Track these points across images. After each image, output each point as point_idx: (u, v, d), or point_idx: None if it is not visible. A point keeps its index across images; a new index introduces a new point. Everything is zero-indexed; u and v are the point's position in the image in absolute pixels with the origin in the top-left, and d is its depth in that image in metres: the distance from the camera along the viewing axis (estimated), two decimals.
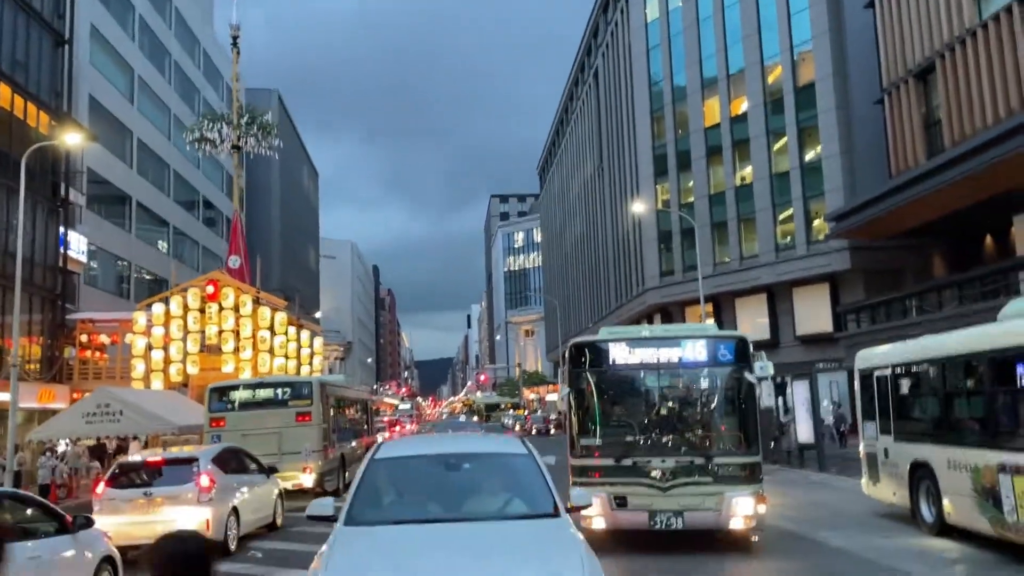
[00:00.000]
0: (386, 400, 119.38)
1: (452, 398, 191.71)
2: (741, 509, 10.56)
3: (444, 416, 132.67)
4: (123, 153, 44.05)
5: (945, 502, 11.40)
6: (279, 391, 17.96)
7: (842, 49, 38.26)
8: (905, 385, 12.74)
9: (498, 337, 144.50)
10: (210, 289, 29.50)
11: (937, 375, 11.67)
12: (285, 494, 17.19)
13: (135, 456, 13.51)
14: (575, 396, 11.46)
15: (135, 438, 22.04)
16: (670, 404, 11.38)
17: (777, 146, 42.06)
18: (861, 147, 37.38)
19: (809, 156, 40.53)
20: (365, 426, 24.49)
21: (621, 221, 56.11)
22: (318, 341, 38.31)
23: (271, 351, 29.53)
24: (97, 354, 33.40)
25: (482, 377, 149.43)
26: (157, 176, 49.23)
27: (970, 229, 31.82)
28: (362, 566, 5.11)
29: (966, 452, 10.76)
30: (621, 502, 10.82)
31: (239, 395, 17.95)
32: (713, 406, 11.47)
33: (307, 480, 17.26)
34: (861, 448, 14.48)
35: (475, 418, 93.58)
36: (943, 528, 11.44)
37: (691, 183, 46.77)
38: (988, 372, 10.23)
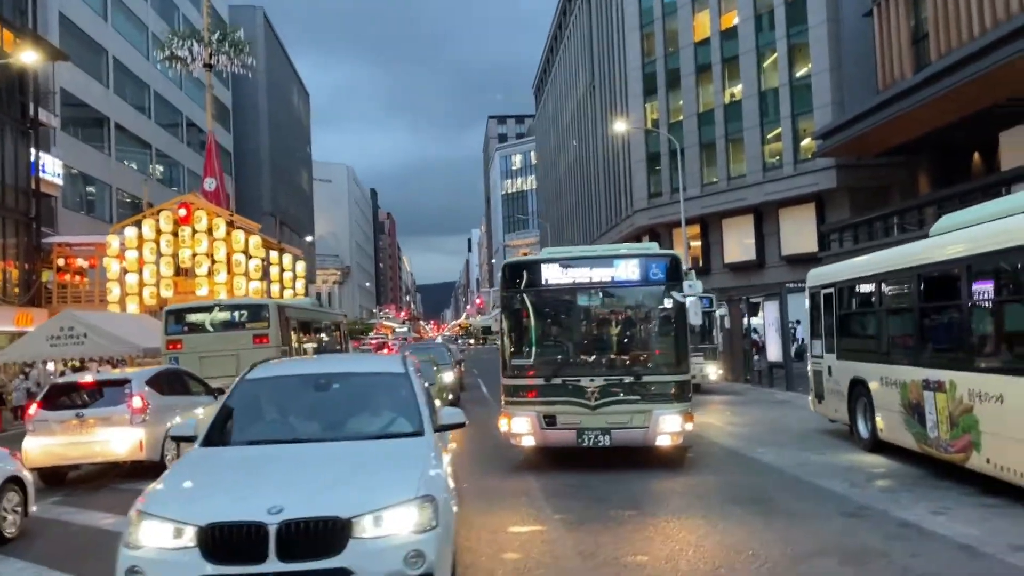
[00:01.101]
0: (384, 323, 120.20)
1: (453, 322, 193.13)
2: (667, 426, 10.54)
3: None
4: (99, 73, 43.13)
5: (878, 418, 11.38)
6: (236, 313, 17.89)
7: None
8: (847, 303, 12.58)
9: (495, 260, 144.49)
10: (182, 212, 29.22)
11: (874, 292, 11.49)
12: None
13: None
14: (508, 316, 11.34)
15: (101, 360, 22.12)
16: (601, 323, 11.25)
17: (767, 62, 41.01)
18: (851, 62, 36.36)
19: (799, 72, 39.53)
20: (338, 347, 24.54)
21: (611, 142, 55.26)
22: (300, 264, 38.18)
23: (246, 274, 29.43)
24: (77, 278, 33.38)
25: (478, 300, 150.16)
26: (136, 97, 48.33)
27: (957, 146, 31.19)
28: (187, 480, 5.06)
29: (896, 369, 10.66)
30: (551, 421, 10.81)
31: (196, 317, 17.90)
32: (643, 325, 11.35)
33: None
34: (809, 366, 14.45)
35: (471, 341, 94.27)
36: (876, 444, 11.44)
37: (680, 102, 45.81)
38: (915, 289, 10.04)
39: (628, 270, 10.92)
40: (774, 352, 23.33)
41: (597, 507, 8.71)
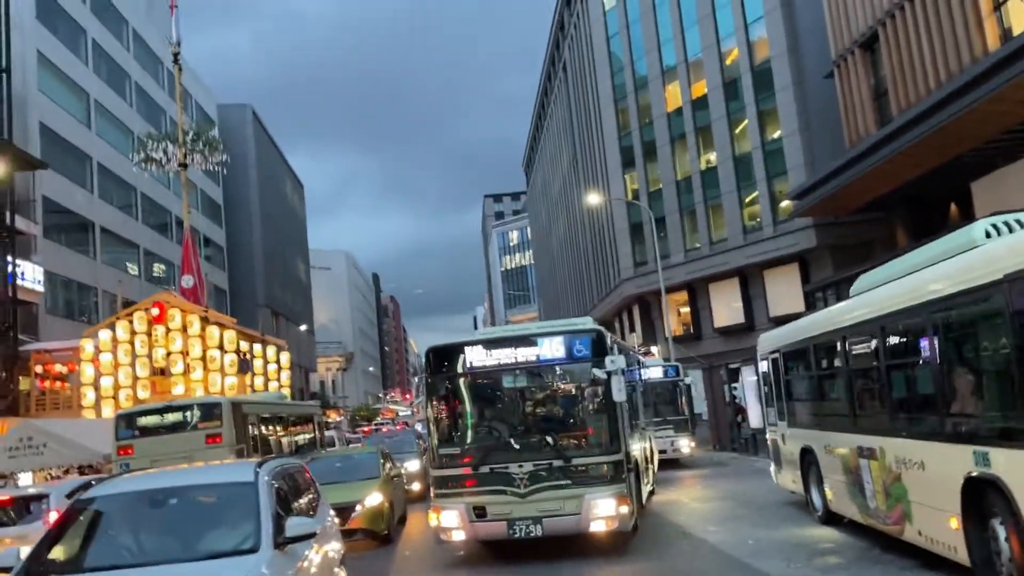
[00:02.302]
0: (389, 407, 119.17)
1: None
2: (601, 511, 10.03)
3: None
4: (83, 179, 43.81)
5: (827, 489, 10.87)
6: (187, 413, 17.47)
7: (793, 23, 37.59)
8: (790, 368, 12.19)
9: None
10: (155, 312, 29.10)
11: (810, 356, 11.12)
12: None
13: None
14: (434, 403, 10.97)
15: (69, 468, 21.58)
16: (528, 406, 10.86)
17: (738, 129, 41.41)
18: (819, 123, 36.68)
19: (770, 136, 39.86)
20: (312, 442, 23.97)
21: (596, 214, 55.55)
22: (284, 356, 37.88)
23: (221, 370, 29.11)
24: (58, 384, 33.10)
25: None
26: (123, 199, 48.98)
27: (933, 197, 31.04)
28: None
29: (836, 436, 10.22)
30: (480, 512, 10.31)
31: (146, 420, 17.48)
32: (571, 405, 10.96)
33: None
34: (768, 435, 13.96)
35: None
36: (829, 516, 10.90)
37: (658, 171, 46.17)
38: (841, 352, 9.68)
39: (552, 348, 10.58)
40: (755, 418, 22.78)
41: None
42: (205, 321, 29.77)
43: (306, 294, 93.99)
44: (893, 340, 8.30)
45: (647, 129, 46.82)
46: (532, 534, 10.17)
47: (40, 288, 36.60)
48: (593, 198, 44.42)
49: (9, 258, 32.34)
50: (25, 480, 23.45)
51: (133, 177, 49.23)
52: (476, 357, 10.76)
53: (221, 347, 29.42)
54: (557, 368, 10.73)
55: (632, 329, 50.27)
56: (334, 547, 7.32)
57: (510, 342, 10.86)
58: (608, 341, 10.43)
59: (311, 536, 5.77)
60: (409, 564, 11.39)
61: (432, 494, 10.77)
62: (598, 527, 10.10)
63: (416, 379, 11.31)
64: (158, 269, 52.36)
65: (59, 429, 20.70)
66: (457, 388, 11.06)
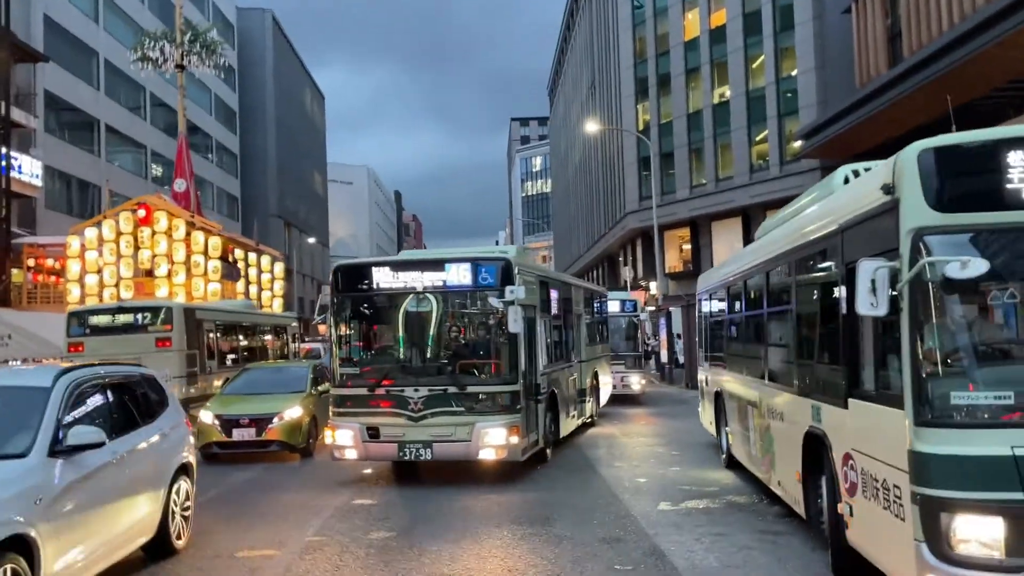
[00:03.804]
0: None
1: None
2: (491, 439, 9.99)
3: None
4: (88, 75, 43.51)
5: (727, 432, 10.76)
6: (139, 316, 17.57)
7: None
8: (711, 308, 11.94)
9: None
10: (142, 213, 29.15)
11: (717, 302, 10.86)
12: None
13: None
14: (338, 322, 10.88)
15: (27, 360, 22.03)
16: (430, 331, 10.70)
17: (755, 63, 40.06)
18: (835, 61, 35.29)
19: (785, 72, 38.54)
20: (278, 352, 24.19)
21: (608, 145, 54.55)
22: (279, 266, 38.04)
23: (205, 275, 29.27)
24: (52, 278, 33.56)
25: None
26: (131, 99, 48.72)
27: None
28: None
29: (734, 382, 10.04)
30: (374, 433, 10.31)
31: (98, 320, 17.63)
32: (472, 333, 10.82)
33: None
34: (698, 377, 13.81)
35: None
36: (731, 461, 10.78)
37: (670, 103, 45.01)
38: (732, 299, 9.42)
39: (458, 274, 10.38)
40: None
41: (368, 528, 8.22)
42: (191, 226, 29.80)
43: (322, 206, 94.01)
44: (763, 290, 8.02)
45: (663, 59, 45.49)
46: (422, 457, 10.18)
47: (38, 182, 36.71)
48: (596, 127, 43.49)
49: (3, 150, 32.42)
50: None
51: (144, 78, 48.81)
52: (383, 278, 10.59)
53: (206, 253, 29.51)
54: (461, 295, 10.54)
55: (636, 263, 49.89)
56: (171, 459, 7.31)
57: (418, 265, 10.69)
58: (515, 271, 10.19)
59: (96, 446, 5.70)
60: (304, 478, 11.47)
61: (331, 412, 10.77)
62: (487, 455, 10.07)
63: (319, 296, 11.18)
64: (163, 171, 52.31)
65: (24, 322, 20.97)
66: (362, 308, 10.96)
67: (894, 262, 4.57)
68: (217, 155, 64.07)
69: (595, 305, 17.74)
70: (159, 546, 7.02)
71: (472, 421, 10.03)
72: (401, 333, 10.79)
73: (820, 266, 6.36)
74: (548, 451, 11.95)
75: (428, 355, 10.64)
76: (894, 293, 4.57)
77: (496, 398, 10.08)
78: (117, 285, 28.92)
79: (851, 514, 5.58)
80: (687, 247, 45.80)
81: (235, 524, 8.54)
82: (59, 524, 5.24)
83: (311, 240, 73.82)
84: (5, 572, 4.65)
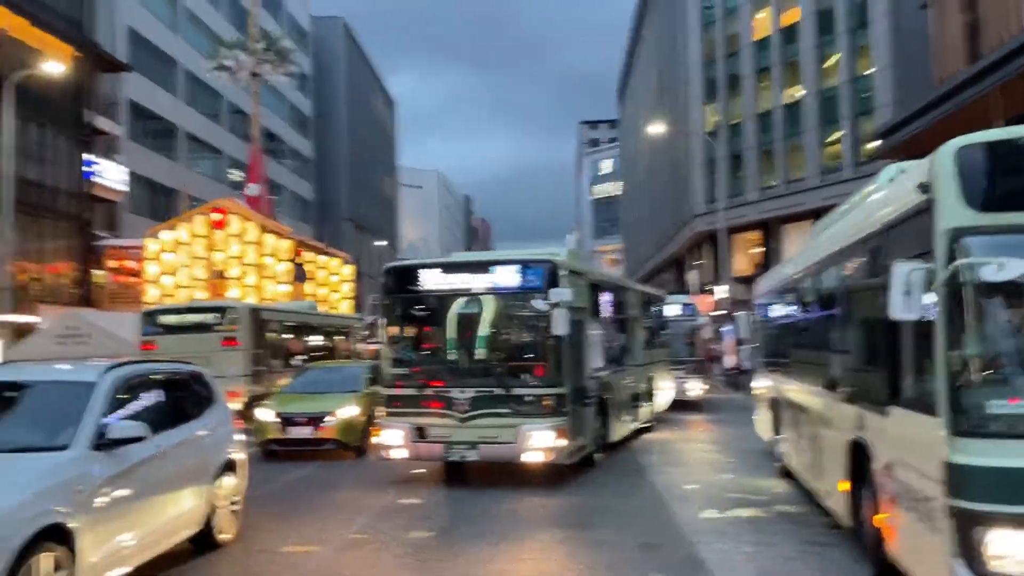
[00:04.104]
0: None
1: None
2: (536, 442, 9.95)
3: None
4: (169, 84, 45.14)
5: (782, 440, 10.48)
6: (207, 316, 18.14)
7: None
8: (765, 313, 11.66)
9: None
10: (216, 216, 30.12)
11: (771, 306, 10.58)
12: None
13: None
14: (388, 323, 11.02)
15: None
16: (476, 332, 10.71)
17: (828, 62, 39.04)
18: (912, 59, 34.12)
19: (860, 71, 37.46)
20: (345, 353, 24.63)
21: (676, 147, 53.88)
22: (348, 268, 38.81)
23: (275, 277, 30.07)
24: (133, 279, 34.94)
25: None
26: (209, 106, 50.31)
27: None
28: None
29: (786, 386, 9.78)
30: (421, 433, 10.41)
31: (169, 319, 18.26)
32: (519, 335, 10.80)
33: (235, 405, 17.49)
34: (753, 384, 13.51)
35: None
36: (785, 470, 10.50)
37: (739, 104, 44.23)
38: (786, 304, 9.16)
39: (505, 276, 10.40)
40: None
41: (409, 527, 8.29)
42: (263, 229, 30.65)
43: (392, 210, 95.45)
44: (809, 293, 7.79)
45: (732, 59, 44.77)
46: (468, 458, 10.23)
47: (123, 187, 38.28)
48: (661, 128, 43.00)
49: (90, 156, 33.94)
50: None
51: (221, 85, 50.45)
52: (431, 279, 10.69)
53: (276, 256, 30.32)
54: (509, 296, 10.54)
55: (703, 267, 49.13)
56: (217, 454, 7.50)
57: (465, 267, 10.75)
58: (561, 273, 10.14)
59: (137, 440, 5.89)
60: (355, 476, 11.62)
61: (382, 411, 10.91)
62: (532, 457, 10.04)
63: (371, 299, 11.33)
64: (239, 176, 53.89)
65: (104, 321, 21.89)
66: (411, 309, 11.06)
67: (930, 264, 4.38)
68: (291, 160, 65.71)
69: (652, 309, 17.53)
70: (206, 539, 7.22)
71: (518, 423, 10.02)
72: (449, 334, 10.85)
73: (859, 268, 6.15)
74: (598, 455, 11.85)
75: (475, 356, 10.66)
76: (930, 296, 4.38)
77: (542, 401, 10.04)
78: (192, 286, 29.92)
79: (891, 527, 5.37)
80: (757, 250, 44.87)
81: (284, 520, 8.72)
82: (99, 515, 5.43)
83: (380, 243, 74.97)
84: (42, 561, 4.83)
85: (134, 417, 6.18)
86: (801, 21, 39.95)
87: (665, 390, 18.09)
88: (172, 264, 30.16)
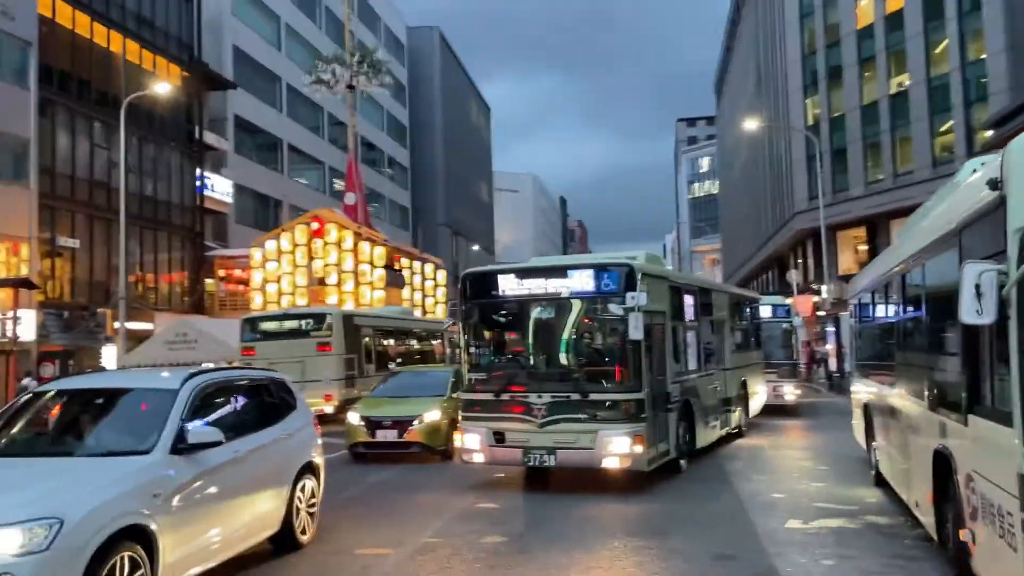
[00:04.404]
0: None
1: None
2: (614, 448, 9.85)
3: None
4: (272, 99, 47.02)
5: (875, 447, 10.03)
6: (303, 322, 18.82)
7: None
8: (857, 317, 11.17)
9: (684, 266, 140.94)
10: (315, 226, 31.19)
11: (862, 307, 10.12)
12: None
13: None
14: (466, 329, 11.13)
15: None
16: (554, 337, 10.70)
17: (937, 49, 37.13)
18: None
19: (971, 56, 35.46)
20: (434, 356, 25.03)
21: (775, 142, 52.35)
22: (441, 273, 39.46)
23: (371, 284, 30.87)
24: (241, 287, 36.57)
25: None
26: (310, 119, 52.12)
27: None
28: None
29: (878, 391, 9.36)
30: (500, 437, 10.46)
31: (267, 325, 19.03)
32: (596, 340, 10.69)
33: (328, 408, 18.11)
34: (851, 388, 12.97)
35: None
36: (880, 478, 10.04)
37: (841, 96, 42.59)
38: (875, 305, 8.74)
39: (581, 281, 10.33)
40: None
41: (484, 532, 8.35)
42: (358, 237, 31.52)
43: (487, 215, 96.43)
44: (894, 295, 7.40)
45: (833, 50, 43.15)
46: (545, 463, 10.21)
47: (229, 200, 40.13)
48: (758, 124, 41.87)
49: (199, 171, 35.75)
50: None
51: (321, 98, 52.18)
52: (508, 285, 10.73)
53: (371, 263, 31.12)
54: (585, 301, 10.46)
55: (806, 266, 47.54)
56: (296, 458, 7.74)
57: (541, 272, 10.73)
58: (638, 277, 10.01)
59: (214, 444, 6.16)
60: (437, 479, 11.76)
61: (460, 416, 11.04)
62: (610, 463, 9.94)
63: (449, 304, 11.44)
64: (340, 185, 55.56)
65: (212, 328, 22.98)
66: (489, 315, 11.14)
67: (1001, 265, 4.11)
68: (389, 169, 67.31)
69: (743, 311, 17.09)
70: (284, 540, 7.47)
71: (595, 429, 9.94)
72: (526, 339, 10.88)
73: (939, 269, 5.82)
74: (682, 462, 11.62)
75: (553, 361, 10.66)
76: (1004, 299, 4.11)
77: (620, 406, 9.93)
78: (293, 293, 31.08)
79: (974, 541, 5.06)
80: (863, 248, 43.07)
81: (363, 522, 8.93)
82: (177, 517, 5.70)
83: (475, 247, 75.86)
84: (124, 559, 5.11)
85: (213, 423, 6.46)
86: (906, 6, 38.14)
87: (759, 394, 17.60)
88: (275, 272, 31.39)
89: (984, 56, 34.43)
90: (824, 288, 40.04)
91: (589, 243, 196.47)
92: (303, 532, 7.72)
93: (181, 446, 5.97)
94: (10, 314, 19.36)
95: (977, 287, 4.12)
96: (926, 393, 6.37)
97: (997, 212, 4.30)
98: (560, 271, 10.55)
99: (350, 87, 36.82)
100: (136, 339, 25.13)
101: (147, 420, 6.11)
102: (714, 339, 14.13)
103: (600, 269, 10.29)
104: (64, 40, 28.45)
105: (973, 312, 4.16)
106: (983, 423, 4.77)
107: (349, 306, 29.30)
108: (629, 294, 9.76)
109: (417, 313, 32.44)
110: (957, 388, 5.34)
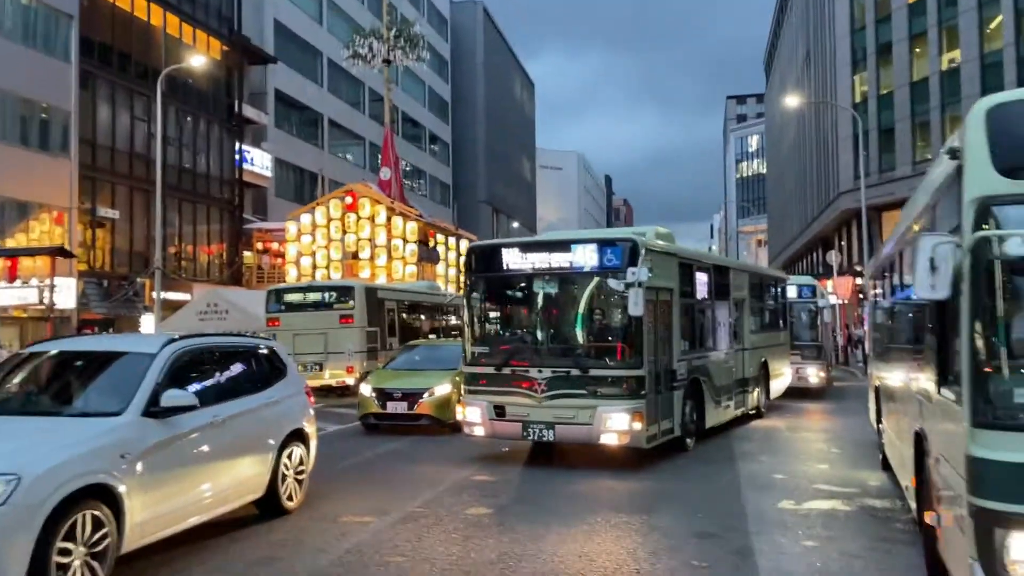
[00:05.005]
0: None
1: None
2: (613, 424, 9.77)
3: None
4: (314, 74, 47.30)
5: (882, 430, 9.80)
6: (327, 295, 19.00)
7: None
8: (871, 294, 10.87)
9: (730, 246, 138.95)
10: (348, 200, 31.41)
11: (876, 284, 9.83)
12: (332, 391, 18.63)
13: None
14: (470, 302, 11.11)
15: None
16: (556, 312, 10.63)
17: (991, 25, 35.76)
18: None
19: None
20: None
21: (822, 120, 51.11)
22: None
23: (403, 258, 31.02)
24: (279, 260, 37.09)
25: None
26: (351, 94, 52.36)
27: None
28: None
29: (882, 372, 9.11)
30: (500, 411, 10.46)
31: (292, 297, 19.25)
32: (598, 315, 10.56)
33: (350, 380, 18.32)
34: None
35: None
36: (887, 462, 9.81)
37: (891, 73, 41.32)
38: (884, 282, 8.47)
39: (584, 256, 10.22)
40: None
41: (471, 503, 8.38)
42: (392, 211, 31.67)
43: (530, 192, 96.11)
44: (891, 274, 7.16)
45: (883, 25, 41.86)
46: (544, 438, 10.18)
47: (269, 173, 40.61)
48: (802, 100, 40.86)
49: (238, 144, 36.21)
50: None
51: (362, 73, 52.30)
52: (512, 259, 10.66)
53: (404, 237, 31.26)
54: (589, 276, 10.35)
55: (850, 247, 46.52)
56: (283, 425, 7.81)
57: (545, 246, 10.64)
58: (641, 253, 9.86)
59: (188, 409, 6.24)
60: (442, 452, 11.80)
61: (463, 389, 11.06)
62: (609, 440, 9.87)
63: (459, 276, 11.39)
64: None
65: (239, 298, 23.35)
66: (492, 289, 11.09)
67: (957, 237, 3.94)
68: (430, 144, 67.39)
69: (766, 291, 16.77)
70: (269, 505, 7.58)
71: (594, 405, 9.87)
72: (530, 313, 10.83)
73: (911, 245, 5.61)
74: (689, 441, 11.49)
75: (554, 336, 10.61)
76: (957, 273, 3.94)
77: (620, 383, 9.84)
78: (328, 267, 31.40)
79: (939, 524, 4.91)
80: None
81: (356, 490, 9.02)
82: (147, 478, 5.78)
83: (516, 224, 75.74)
84: (85, 518, 5.21)
85: (191, 388, 6.55)
86: None
87: (783, 376, 17.30)
88: (309, 246, 31.73)
89: None
90: (865, 269, 39.15)
91: (635, 222, 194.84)
92: (290, 498, 7.81)
93: (154, 409, 6.06)
94: (47, 282, 19.87)
95: (932, 260, 3.96)
96: (910, 373, 6.18)
97: (956, 183, 4.11)
98: (564, 245, 10.45)
99: (387, 61, 36.83)
100: (173, 309, 25.67)
101: (122, 383, 6.21)
102: (730, 318, 13.88)
103: (604, 244, 10.17)
104: (105, 13, 28.94)
105: (928, 287, 3.99)
106: (944, 403, 4.60)
107: (382, 280, 29.53)
108: (630, 269, 9.62)
109: (451, 288, 32.53)
110: (929, 367, 5.16)
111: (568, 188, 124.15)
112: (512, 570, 6.11)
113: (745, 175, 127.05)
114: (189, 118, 33.15)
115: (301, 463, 8.12)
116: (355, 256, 31.70)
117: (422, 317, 22.65)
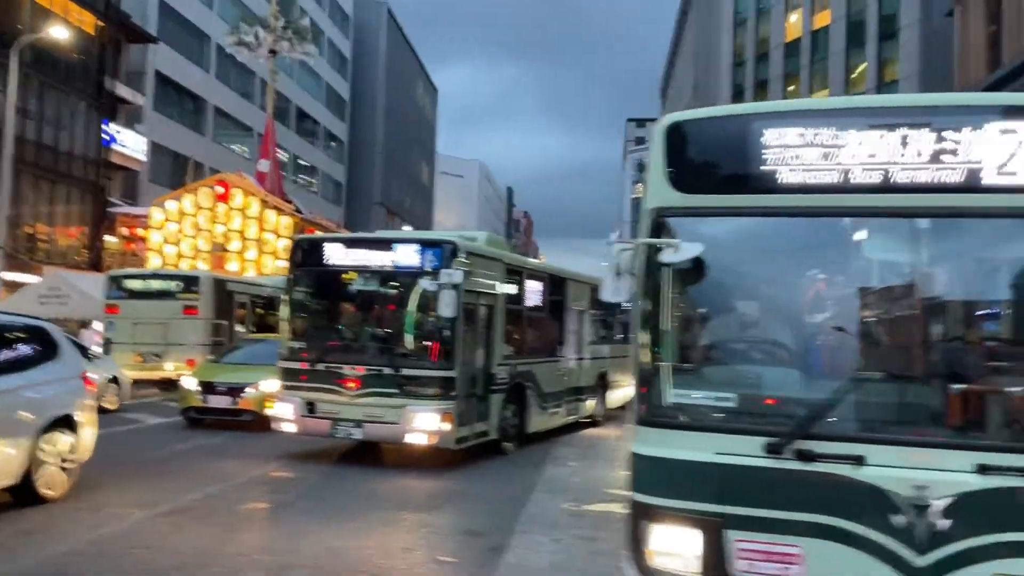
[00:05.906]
0: None
1: None
2: (420, 424, 9.80)
3: None
4: (200, 58, 45.78)
5: None
6: (171, 283, 18.33)
7: None
8: None
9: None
10: (220, 189, 30.42)
11: None
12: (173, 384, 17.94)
13: None
14: (291, 297, 10.93)
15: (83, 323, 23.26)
16: (374, 310, 10.61)
17: (858, 70, 38.02)
18: (939, 67, 33.09)
19: (886, 79, 36.42)
20: None
21: None
22: None
23: (274, 253, 30.27)
24: (143, 246, 35.56)
25: None
26: (241, 83, 50.89)
27: None
28: None
29: None
30: (311, 408, 10.32)
31: (134, 284, 18.47)
32: (416, 315, 10.59)
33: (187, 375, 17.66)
34: None
35: None
36: None
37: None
38: None
39: (405, 255, 10.24)
40: None
41: (253, 498, 8.23)
42: (265, 204, 30.88)
43: (427, 197, 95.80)
44: None
45: (762, 62, 43.86)
46: (353, 436, 10.12)
47: (143, 157, 38.96)
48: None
49: (111, 124, 34.62)
50: None
51: (251, 62, 50.91)
52: (334, 255, 10.59)
53: (276, 232, 30.52)
54: (407, 276, 10.36)
55: None
56: (44, 410, 7.46)
57: (368, 244, 10.66)
58: (460, 255, 9.95)
59: None
60: (253, 448, 11.54)
61: (280, 385, 10.86)
62: (416, 439, 9.89)
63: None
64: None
65: (84, 283, 22.25)
66: (313, 284, 10.96)
67: (633, 244, 4.13)
68: (325, 142, 66.27)
69: (612, 304, 17.19)
70: (24, 493, 7.22)
71: (404, 404, 9.88)
72: (349, 310, 10.76)
73: None
74: (507, 444, 11.63)
75: (372, 335, 10.57)
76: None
77: (431, 383, 9.88)
78: (194, 257, 30.28)
79: None
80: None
81: (137, 483, 8.70)
82: None
83: (407, 228, 75.23)
84: None
85: None
86: (832, 24, 38.98)
87: (625, 386, 17.72)
88: (175, 234, 30.56)
89: (897, 79, 35.34)
90: None
91: (535, 234, 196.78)
92: (49, 488, 7.46)
93: None
94: None
95: (617, 266, 4.12)
96: None
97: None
98: (386, 244, 10.46)
99: (272, 52, 36.01)
100: (12, 291, 24.24)
101: None
102: (564, 327, 14.14)
103: (425, 244, 10.23)
104: None
105: (612, 291, 4.16)
106: None
107: (251, 274, 28.70)
108: (444, 271, 9.69)
109: None
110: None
111: (468, 196, 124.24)
112: (253, 562, 6.01)
113: (639, 196, 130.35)
114: (52, 92, 31.46)
115: (72, 451, 7.77)
116: (224, 248, 30.73)
117: (276, 312, 22.03)
